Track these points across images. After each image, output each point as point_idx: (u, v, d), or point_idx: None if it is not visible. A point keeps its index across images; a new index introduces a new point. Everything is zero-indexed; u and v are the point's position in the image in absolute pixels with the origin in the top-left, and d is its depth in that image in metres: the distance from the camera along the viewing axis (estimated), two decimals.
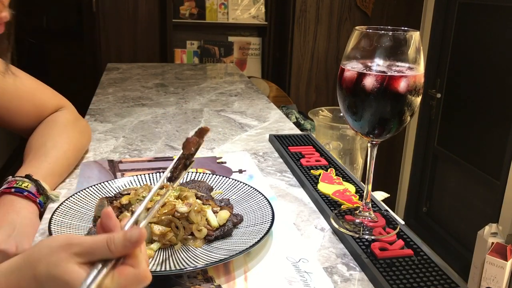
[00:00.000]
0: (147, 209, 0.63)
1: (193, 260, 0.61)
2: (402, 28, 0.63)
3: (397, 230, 0.71)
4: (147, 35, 2.95)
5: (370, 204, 0.74)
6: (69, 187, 0.85)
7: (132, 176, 0.84)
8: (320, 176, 0.89)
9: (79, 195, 0.75)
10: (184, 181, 0.83)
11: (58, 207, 0.71)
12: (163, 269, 0.59)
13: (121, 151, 1.04)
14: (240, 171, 0.94)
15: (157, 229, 0.65)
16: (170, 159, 1.00)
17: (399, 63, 0.63)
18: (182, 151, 0.60)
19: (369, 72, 0.63)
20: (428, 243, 2.58)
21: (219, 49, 3.07)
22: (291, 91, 3.10)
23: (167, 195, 0.60)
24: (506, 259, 1.89)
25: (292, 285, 0.60)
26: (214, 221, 0.68)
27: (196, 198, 0.71)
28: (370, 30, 0.63)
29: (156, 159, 0.99)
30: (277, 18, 3.05)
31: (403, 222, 0.75)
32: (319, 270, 0.63)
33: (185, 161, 0.60)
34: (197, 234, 0.66)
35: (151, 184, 0.82)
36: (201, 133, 0.61)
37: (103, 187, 0.79)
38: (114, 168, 0.94)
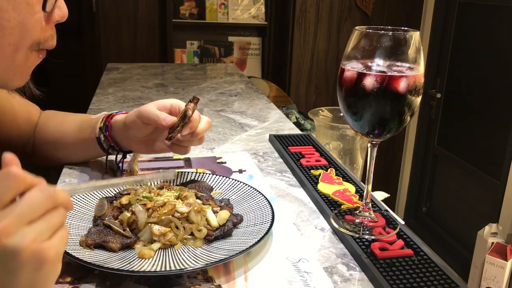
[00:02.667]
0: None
1: (193, 260, 0.61)
2: (402, 28, 0.63)
3: (397, 230, 0.71)
4: (147, 35, 2.95)
5: (370, 204, 0.74)
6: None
7: (132, 176, 0.84)
8: (320, 176, 0.89)
9: (79, 195, 0.75)
10: (184, 181, 0.83)
11: None
12: (163, 269, 0.59)
13: None
14: (240, 171, 0.94)
15: (157, 229, 0.65)
16: (170, 159, 1.00)
17: (399, 63, 0.63)
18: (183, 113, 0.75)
19: (369, 72, 0.63)
20: (428, 243, 2.58)
21: (219, 49, 3.07)
22: (291, 91, 3.10)
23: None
24: (506, 259, 1.89)
25: (292, 285, 0.60)
26: (214, 221, 0.68)
27: (196, 198, 0.71)
28: (370, 30, 0.63)
29: (156, 159, 0.99)
30: (277, 18, 3.05)
31: (403, 222, 0.75)
32: (319, 270, 0.63)
33: (182, 123, 0.75)
34: (197, 234, 0.66)
35: (151, 184, 0.82)
36: (195, 100, 0.76)
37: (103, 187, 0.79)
38: (114, 168, 0.94)
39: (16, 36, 0.57)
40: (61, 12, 0.61)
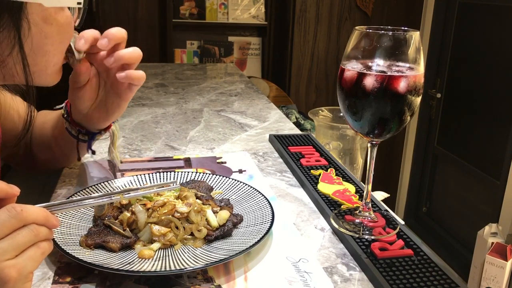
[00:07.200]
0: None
1: (193, 260, 0.61)
2: (402, 28, 0.64)
3: (397, 230, 0.71)
4: (147, 35, 2.95)
5: (370, 204, 0.74)
6: (69, 187, 0.85)
7: (132, 176, 0.84)
8: (320, 176, 0.89)
9: (79, 195, 0.75)
10: (184, 181, 0.83)
11: None
12: (163, 269, 0.59)
13: (121, 151, 1.04)
14: (240, 171, 0.94)
15: (157, 229, 0.65)
16: (170, 159, 1.00)
17: (399, 63, 0.63)
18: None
19: (369, 72, 0.63)
20: (428, 243, 2.58)
21: (219, 49, 3.07)
22: (291, 91, 3.10)
23: None
24: (506, 259, 1.89)
25: (292, 285, 0.60)
26: (214, 221, 0.68)
27: (196, 198, 0.71)
28: (370, 30, 0.63)
29: (156, 159, 0.99)
30: (277, 18, 3.05)
31: (403, 222, 0.75)
32: (319, 270, 0.63)
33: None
34: (197, 234, 0.66)
35: (151, 184, 0.82)
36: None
37: (103, 187, 0.79)
38: (114, 168, 0.94)
39: (58, 55, 0.64)
40: (79, 18, 0.68)
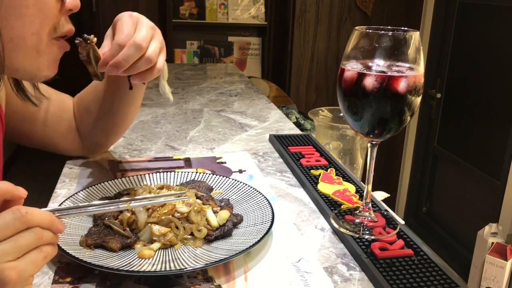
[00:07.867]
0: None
1: (193, 260, 0.61)
2: (402, 28, 0.63)
3: (397, 230, 0.71)
4: None
5: (370, 204, 0.74)
6: (69, 187, 0.85)
7: (132, 176, 0.84)
8: (320, 176, 0.89)
9: (79, 195, 0.75)
10: (184, 181, 0.83)
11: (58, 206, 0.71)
12: (163, 269, 0.59)
13: (121, 151, 1.04)
14: (240, 171, 0.94)
15: (157, 229, 0.65)
16: (170, 159, 1.00)
17: (399, 63, 0.63)
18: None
19: (369, 72, 0.63)
20: (428, 243, 2.58)
21: (219, 49, 3.07)
22: (291, 91, 3.10)
23: None
24: (506, 259, 1.89)
25: (292, 285, 0.60)
26: (214, 221, 0.68)
27: (196, 198, 0.71)
28: (370, 30, 0.63)
29: (156, 159, 0.99)
30: (277, 18, 3.05)
31: (403, 222, 0.75)
32: (319, 270, 0.63)
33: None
34: (197, 234, 0.66)
35: (151, 184, 0.82)
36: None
37: (103, 187, 0.79)
38: (114, 168, 0.94)
39: (37, 23, 0.59)
40: (74, 0, 0.63)
